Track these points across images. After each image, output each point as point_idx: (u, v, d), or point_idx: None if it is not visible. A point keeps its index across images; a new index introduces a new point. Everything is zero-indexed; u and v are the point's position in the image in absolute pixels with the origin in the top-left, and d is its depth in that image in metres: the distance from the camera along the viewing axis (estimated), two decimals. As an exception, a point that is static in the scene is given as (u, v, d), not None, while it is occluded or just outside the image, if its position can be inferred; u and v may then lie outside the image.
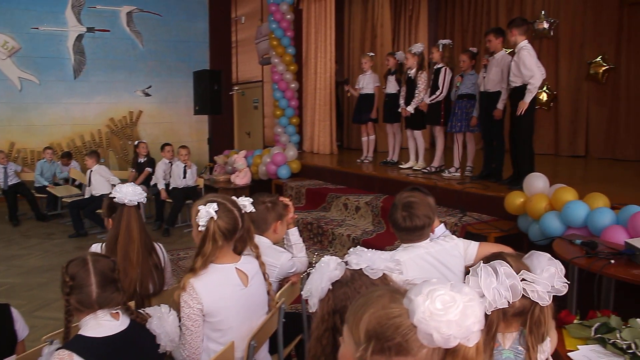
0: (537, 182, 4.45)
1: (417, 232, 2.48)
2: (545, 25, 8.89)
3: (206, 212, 2.21)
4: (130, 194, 2.88)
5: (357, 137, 9.49)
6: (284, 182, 7.70)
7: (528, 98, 5.16)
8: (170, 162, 8.35)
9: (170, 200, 8.04)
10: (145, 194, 3.02)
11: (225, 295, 2.26)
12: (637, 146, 7.85)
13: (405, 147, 7.72)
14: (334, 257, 1.69)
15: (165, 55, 11.59)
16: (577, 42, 8.60)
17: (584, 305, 3.11)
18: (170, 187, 8.13)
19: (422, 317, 1.05)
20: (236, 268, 2.33)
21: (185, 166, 8.03)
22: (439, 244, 2.52)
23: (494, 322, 1.68)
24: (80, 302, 1.90)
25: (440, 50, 6.55)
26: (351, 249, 1.72)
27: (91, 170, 7.74)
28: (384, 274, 1.63)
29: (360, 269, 1.62)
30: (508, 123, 5.65)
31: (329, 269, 1.62)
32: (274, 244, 2.96)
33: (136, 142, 9.11)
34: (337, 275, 1.61)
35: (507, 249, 2.72)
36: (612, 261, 3.01)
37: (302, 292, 1.73)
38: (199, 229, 2.23)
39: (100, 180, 7.65)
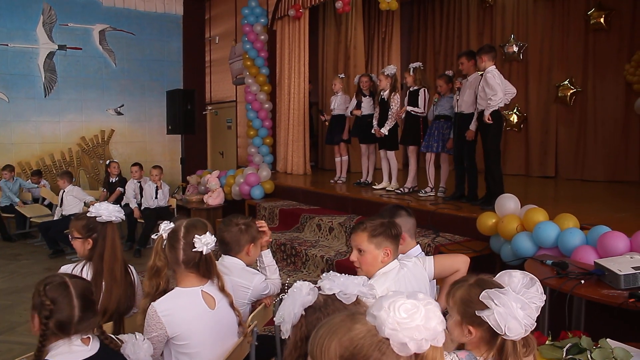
0: (508, 203, 4.51)
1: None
2: (515, 48, 9.09)
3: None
4: (112, 210, 2.85)
5: (330, 158, 9.51)
6: (257, 202, 7.66)
7: (487, 112, 5.33)
8: (139, 182, 8.26)
9: (142, 221, 7.93)
10: (122, 212, 2.99)
11: (189, 319, 2.24)
12: (604, 167, 8.02)
13: (378, 167, 7.75)
14: (306, 282, 1.68)
15: (138, 74, 11.50)
16: (545, 65, 8.79)
17: (555, 325, 3.13)
18: (142, 208, 8.04)
19: (392, 328, 1.06)
20: (202, 291, 2.32)
21: (156, 186, 7.95)
22: (402, 263, 2.54)
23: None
24: (60, 327, 1.81)
25: (412, 73, 6.62)
26: (324, 274, 1.71)
27: (64, 191, 7.62)
28: (357, 298, 1.62)
29: (333, 294, 1.61)
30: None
31: (302, 294, 1.61)
32: (247, 265, 2.93)
33: (107, 162, 8.99)
34: (310, 301, 1.60)
35: (458, 256, 2.76)
36: (582, 281, 3.05)
37: (274, 318, 1.71)
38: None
39: (73, 201, 7.54)
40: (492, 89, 5.32)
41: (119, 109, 11.35)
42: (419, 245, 3.00)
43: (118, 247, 2.85)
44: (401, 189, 6.76)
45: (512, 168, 8.91)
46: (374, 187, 7.20)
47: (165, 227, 2.41)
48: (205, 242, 2.28)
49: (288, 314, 1.59)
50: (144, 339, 2.07)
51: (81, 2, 10.70)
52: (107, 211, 2.83)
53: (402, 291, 1.12)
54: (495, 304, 1.61)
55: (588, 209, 5.36)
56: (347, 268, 2.52)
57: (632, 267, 2.99)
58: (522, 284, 1.70)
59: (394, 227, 2.49)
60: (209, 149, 12.27)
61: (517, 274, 1.74)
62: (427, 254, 4.76)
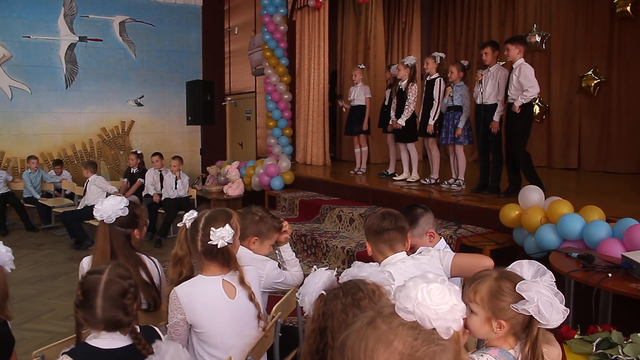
0: (532, 194, 4.45)
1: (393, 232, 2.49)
2: (537, 38, 8.96)
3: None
4: (110, 208, 2.78)
5: (350, 149, 9.48)
6: (277, 193, 7.67)
7: (518, 103, 5.28)
8: (160, 172, 8.31)
9: (162, 211, 7.99)
10: (126, 204, 2.93)
11: (209, 305, 2.27)
12: (628, 159, 7.89)
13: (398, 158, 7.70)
14: (327, 270, 1.72)
15: (158, 65, 11.55)
16: (568, 55, 8.66)
17: (581, 319, 3.09)
18: (163, 198, 8.09)
19: (435, 318, 1.04)
20: (223, 280, 2.34)
21: (175, 177, 7.99)
22: (416, 257, 2.51)
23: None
24: (86, 320, 1.88)
25: (438, 62, 6.54)
26: (354, 263, 1.73)
27: (88, 181, 7.70)
28: (377, 285, 1.63)
29: (357, 286, 1.61)
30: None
31: (323, 276, 1.65)
32: None
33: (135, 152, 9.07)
34: (333, 280, 1.63)
35: (484, 259, 2.70)
36: (610, 275, 3.00)
37: (297, 297, 1.74)
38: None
39: (96, 191, 7.60)
40: (529, 81, 5.27)
41: (139, 99, 11.42)
42: (442, 238, 2.97)
43: (107, 249, 2.75)
44: (426, 179, 6.69)
45: (535, 159, 8.57)
46: (394, 178, 7.16)
47: (189, 216, 2.42)
48: (220, 236, 2.27)
49: (309, 292, 1.64)
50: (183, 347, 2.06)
51: (102, -7, 10.77)
52: (102, 210, 2.74)
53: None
54: (535, 294, 1.59)
55: (613, 201, 5.28)
56: (369, 259, 2.54)
57: (661, 261, 2.94)
58: (534, 272, 1.69)
59: (400, 220, 2.52)
60: (228, 140, 12.30)
61: (525, 264, 1.73)
62: (449, 245, 4.76)
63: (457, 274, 2.62)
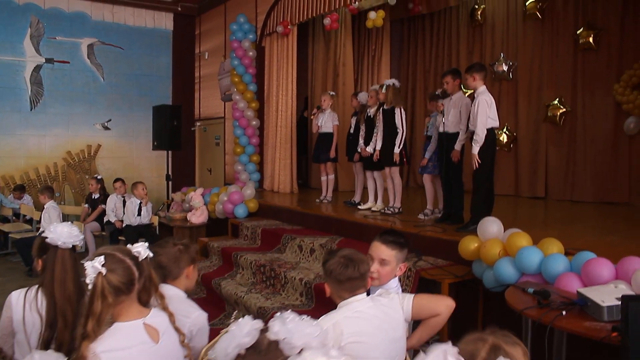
0: (491, 226, 4.36)
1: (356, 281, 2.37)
2: (505, 67, 9.02)
3: (92, 267, 2.00)
4: (65, 235, 2.63)
5: (320, 176, 9.37)
6: (240, 221, 7.50)
7: (474, 150, 5.19)
8: (123, 198, 8.14)
9: (122, 238, 7.79)
10: (81, 236, 2.79)
11: (133, 356, 2.03)
12: (594, 188, 7.91)
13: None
14: (250, 320, 1.54)
15: (127, 89, 11.39)
16: (535, 84, 8.72)
17: (538, 358, 2.98)
18: (124, 225, 7.89)
19: None
20: (144, 323, 2.11)
21: (140, 203, 7.81)
22: (376, 299, 2.41)
23: None
24: None
25: (384, 91, 6.45)
26: (278, 314, 1.57)
27: (44, 207, 7.48)
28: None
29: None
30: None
31: (241, 333, 1.47)
32: (187, 292, 2.73)
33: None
34: (247, 342, 1.46)
35: (443, 299, 2.59)
36: (564, 312, 2.91)
37: (209, 355, 1.59)
38: (88, 287, 2.02)
39: (54, 218, 7.37)
40: (480, 115, 5.12)
41: (106, 123, 11.21)
42: (397, 278, 2.87)
43: (69, 276, 2.57)
44: (386, 209, 6.62)
45: (502, 188, 8.78)
46: (359, 207, 7.06)
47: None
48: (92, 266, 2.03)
49: (221, 352, 1.46)
50: None
51: (70, 15, 10.62)
52: (56, 233, 2.58)
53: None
54: None
55: (575, 232, 5.23)
56: (325, 292, 2.53)
57: (616, 298, 2.84)
58: None
59: (363, 265, 2.44)
60: (197, 166, 12.13)
61: None
62: (407, 278, 4.65)
63: (416, 317, 2.52)
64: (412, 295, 2.51)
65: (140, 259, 2.16)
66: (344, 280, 2.38)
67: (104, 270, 2.01)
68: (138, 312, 2.13)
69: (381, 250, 2.73)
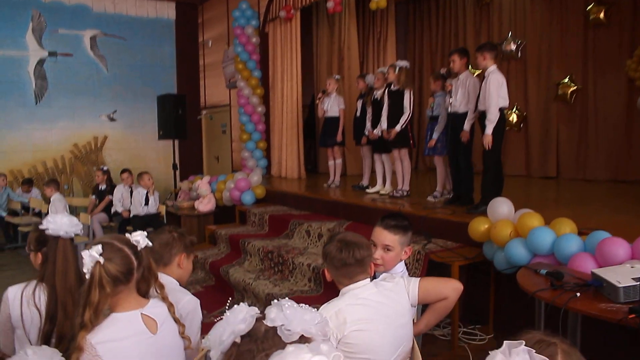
0: (501, 207, 4.25)
1: (351, 267, 2.26)
2: (513, 47, 8.85)
3: (90, 256, 1.92)
4: (66, 225, 2.58)
5: (327, 161, 9.28)
6: (247, 208, 7.44)
7: (489, 130, 5.05)
8: (130, 188, 8.11)
9: (130, 228, 7.75)
10: (81, 225, 2.74)
11: (129, 347, 1.95)
12: (606, 167, 7.78)
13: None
14: (246, 307, 1.45)
15: (131, 80, 11.30)
16: (544, 63, 8.55)
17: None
18: (131, 215, 7.86)
19: None
20: (142, 314, 2.03)
21: (147, 192, 7.76)
22: (380, 284, 2.31)
23: None
24: None
25: (397, 72, 6.34)
26: (274, 301, 1.48)
27: (51, 199, 7.46)
28: (303, 336, 1.39)
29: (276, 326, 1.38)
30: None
31: (236, 320, 1.38)
32: (180, 283, 2.65)
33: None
34: (243, 330, 1.37)
35: (451, 282, 2.49)
36: (578, 294, 2.80)
37: (202, 341, 1.50)
38: (86, 276, 1.94)
39: (60, 210, 7.35)
40: (492, 95, 5.00)
41: (112, 115, 11.15)
42: (403, 262, 2.76)
43: (71, 267, 2.51)
44: (394, 192, 6.52)
45: (513, 169, 8.65)
46: (367, 190, 6.97)
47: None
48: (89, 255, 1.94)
49: (215, 340, 1.38)
50: None
51: (71, 8, 10.51)
52: (57, 224, 2.52)
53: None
54: None
55: (588, 211, 5.11)
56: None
57: (633, 279, 2.73)
58: None
59: (360, 250, 2.30)
60: (205, 154, 12.07)
61: None
62: (417, 261, 4.56)
63: (423, 301, 2.42)
64: (418, 279, 2.40)
65: (139, 248, 2.08)
66: (339, 265, 2.27)
67: (101, 260, 1.93)
68: (136, 302, 2.05)
69: (384, 235, 2.62)
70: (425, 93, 10.25)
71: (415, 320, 2.53)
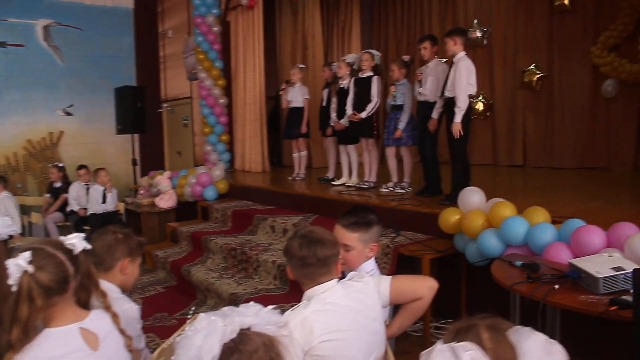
0: (472, 196, 4.10)
1: (313, 267, 2.04)
2: (479, 34, 8.76)
3: (16, 265, 1.67)
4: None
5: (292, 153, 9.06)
6: (210, 203, 7.17)
7: (458, 118, 4.90)
8: (87, 185, 7.76)
9: (87, 228, 7.41)
10: (14, 227, 2.48)
11: None
12: (573, 154, 7.76)
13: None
14: (213, 315, 1.24)
15: (88, 72, 10.82)
16: (510, 50, 8.49)
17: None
18: (88, 213, 7.51)
19: None
20: (81, 328, 1.77)
21: (104, 189, 7.42)
22: (347, 285, 2.09)
23: None
24: None
25: (374, 60, 6.19)
26: (225, 308, 1.28)
27: (-2, 198, 7.07)
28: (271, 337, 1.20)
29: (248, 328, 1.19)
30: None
31: (217, 327, 1.19)
32: (123, 290, 2.41)
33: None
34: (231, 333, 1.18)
35: (425, 280, 2.29)
36: (556, 286, 2.65)
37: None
38: (12, 289, 1.69)
39: (10, 208, 6.97)
40: (461, 81, 4.86)
41: (67, 109, 10.68)
42: (374, 259, 2.54)
43: (4, 273, 2.28)
44: (361, 183, 6.35)
45: (479, 158, 8.58)
46: (333, 183, 6.78)
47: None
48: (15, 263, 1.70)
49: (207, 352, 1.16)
50: None
51: (21, -5, 10.03)
52: None
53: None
54: None
55: (559, 199, 5.01)
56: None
57: (612, 268, 2.60)
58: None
59: (324, 247, 2.07)
60: (166, 149, 11.69)
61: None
62: (386, 255, 4.38)
63: (396, 302, 2.21)
64: (390, 278, 2.20)
65: (75, 253, 1.82)
66: (299, 265, 2.05)
67: (30, 268, 1.67)
68: (74, 315, 1.79)
69: (342, 234, 2.39)
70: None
71: (387, 322, 2.34)
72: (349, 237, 2.38)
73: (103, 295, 1.92)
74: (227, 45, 9.21)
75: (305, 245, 2.03)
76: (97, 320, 1.83)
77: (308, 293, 2.06)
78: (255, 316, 1.22)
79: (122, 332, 1.91)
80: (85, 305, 1.86)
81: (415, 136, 5.89)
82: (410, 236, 4.65)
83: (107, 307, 1.92)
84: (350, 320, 2.00)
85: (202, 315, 1.24)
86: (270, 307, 1.28)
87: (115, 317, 1.91)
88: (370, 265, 2.48)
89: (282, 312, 2.92)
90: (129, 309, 2.28)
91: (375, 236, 2.47)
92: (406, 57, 6.12)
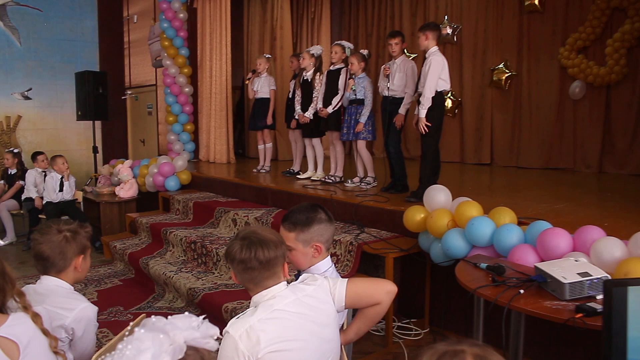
0: (438, 195, 4.00)
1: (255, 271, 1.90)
2: (449, 30, 8.70)
3: None
4: None
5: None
6: (171, 194, 6.96)
7: (422, 113, 4.82)
8: (44, 172, 7.47)
9: (43, 216, 7.14)
10: None
11: None
12: (539, 153, 7.77)
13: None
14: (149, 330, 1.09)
15: (48, 55, 10.45)
16: (480, 48, 8.46)
17: (492, 341, 2.66)
18: (44, 202, 7.22)
19: None
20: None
21: (62, 178, 7.15)
22: (298, 289, 1.95)
23: None
24: None
25: (347, 53, 6.08)
26: (153, 319, 1.13)
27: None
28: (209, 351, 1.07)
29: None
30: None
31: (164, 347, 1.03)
32: (73, 284, 2.27)
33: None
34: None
35: (383, 284, 2.15)
36: (522, 291, 2.57)
37: None
38: None
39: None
40: (432, 77, 4.75)
41: (26, 92, 10.29)
42: (329, 257, 2.36)
43: None
44: (327, 177, 6.23)
45: (447, 155, 8.53)
46: (298, 176, 6.65)
47: None
48: None
49: None
50: None
51: (-24, -29, 9.61)
52: None
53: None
54: None
55: (525, 200, 4.97)
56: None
57: (578, 274, 2.52)
58: None
59: (266, 249, 1.91)
60: (130, 137, 11.39)
61: None
62: (348, 252, 4.27)
63: (351, 306, 2.08)
64: (345, 280, 2.05)
65: None
66: (242, 269, 1.90)
67: None
68: None
69: (283, 234, 2.22)
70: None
71: (344, 326, 2.22)
72: (286, 236, 2.20)
73: (20, 295, 1.75)
74: (193, 32, 8.98)
75: (246, 247, 1.88)
76: (16, 325, 1.67)
77: (255, 299, 1.92)
78: (193, 329, 1.08)
79: (45, 333, 1.75)
80: (1, 308, 1.69)
81: (374, 131, 5.82)
82: (375, 233, 4.55)
83: (27, 307, 1.75)
84: (300, 328, 1.86)
85: (142, 333, 1.08)
86: (202, 317, 1.14)
87: (36, 317, 1.75)
88: (326, 265, 2.29)
89: (242, 309, 2.77)
90: (85, 309, 2.15)
91: (317, 235, 2.24)
92: (364, 51, 6.01)
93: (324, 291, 1.97)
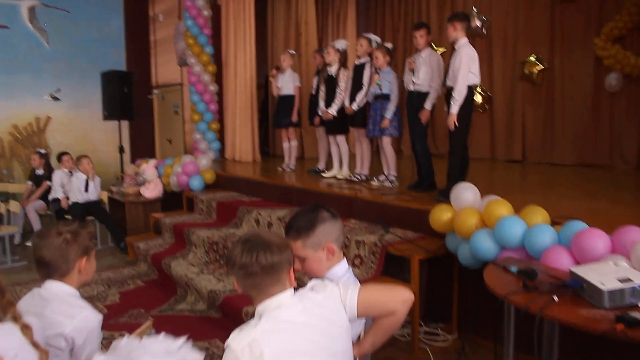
0: (465, 193, 3.82)
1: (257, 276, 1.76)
2: (478, 23, 8.45)
3: None
4: None
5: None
6: (195, 194, 6.89)
7: (454, 109, 4.62)
8: (70, 172, 7.49)
9: (69, 217, 7.14)
10: None
11: None
12: (573, 150, 7.50)
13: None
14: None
15: (76, 56, 10.52)
16: (510, 41, 8.21)
17: (523, 349, 2.49)
18: (70, 202, 7.24)
19: None
20: None
21: (87, 178, 7.15)
22: (306, 298, 1.80)
23: None
24: None
25: (374, 46, 5.90)
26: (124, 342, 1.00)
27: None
28: None
29: None
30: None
31: None
32: (80, 288, 2.16)
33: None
34: None
35: (399, 292, 1.97)
36: (555, 297, 2.39)
37: None
38: None
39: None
40: (462, 69, 4.57)
41: (55, 93, 10.38)
42: (345, 260, 2.17)
43: None
44: (353, 176, 6.07)
45: (477, 152, 8.30)
46: (323, 175, 6.51)
47: None
48: None
49: None
50: None
51: (5, -25, 9.70)
52: None
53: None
54: None
55: (559, 198, 4.75)
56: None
57: (618, 279, 2.33)
58: None
59: (270, 254, 1.76)
60: (157, 136, 11.40)
61: None
62: (373, 254, 4.11)
63: (364, 315, 1.90)
64: (358, 287, 1.88)
65: None
66: (243, 275, 1.75)
67: None
68: None
69: (292, 246, 1.99)
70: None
71: (361, 336, 2.06)
72: (295, 247, 2.02)
73: (9, 305, 1.64)
74: (217, 30, 8.93)
75: (247, 251, 1.74)
76: (2, 337, 1.56)
77: (259, 309, 1.77)
78: (169, 354, 0.95)
79: (35, 346, 1.64)
80: None
81: (400, 127, 5.65)
82: (400, 234, 4.39)
83: (16, 318, 1.64)
84: (307, 340, 1.72)
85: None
86: (183, 340, 1.00)
87: (25, 329, 1.64)
88: (342, 269, 2.12)
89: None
90: (87, 318, 2.03)
91: (324, 236, 2.06)
92: (389, 44, 5.83)
93: (335, 300, 1.82)
